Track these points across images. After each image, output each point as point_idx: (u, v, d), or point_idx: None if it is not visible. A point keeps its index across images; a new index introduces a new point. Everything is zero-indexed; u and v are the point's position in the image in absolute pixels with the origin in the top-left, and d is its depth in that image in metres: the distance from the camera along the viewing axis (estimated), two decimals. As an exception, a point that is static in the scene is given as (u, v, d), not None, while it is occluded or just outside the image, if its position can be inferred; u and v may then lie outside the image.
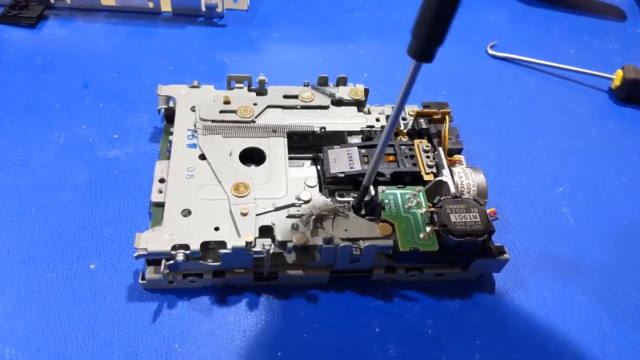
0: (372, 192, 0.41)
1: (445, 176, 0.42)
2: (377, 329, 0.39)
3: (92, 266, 0.39)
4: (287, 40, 0.60)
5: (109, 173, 0.45)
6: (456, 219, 0.38)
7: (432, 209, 0.39)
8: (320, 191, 0.41)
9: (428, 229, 0.38)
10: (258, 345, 0.37)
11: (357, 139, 0.45)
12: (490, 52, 0.61)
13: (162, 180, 0.41)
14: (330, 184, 0.42)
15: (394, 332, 0.39)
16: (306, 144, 0.46)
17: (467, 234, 0.37)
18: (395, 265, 0.40)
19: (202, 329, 0.37)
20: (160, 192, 0.40)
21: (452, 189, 0.41)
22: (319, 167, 0.44)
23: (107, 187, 0.44)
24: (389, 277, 0.41)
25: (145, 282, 0.38)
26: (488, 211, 0.39)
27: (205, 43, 0.58)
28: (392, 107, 0.49)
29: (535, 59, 0.60)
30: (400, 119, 0.48)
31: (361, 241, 0.37)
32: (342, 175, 0.41)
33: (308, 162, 0.45)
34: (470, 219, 0.38)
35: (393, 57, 0.59)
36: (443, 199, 0.39)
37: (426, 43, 0.29)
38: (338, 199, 0.41)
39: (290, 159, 0.44)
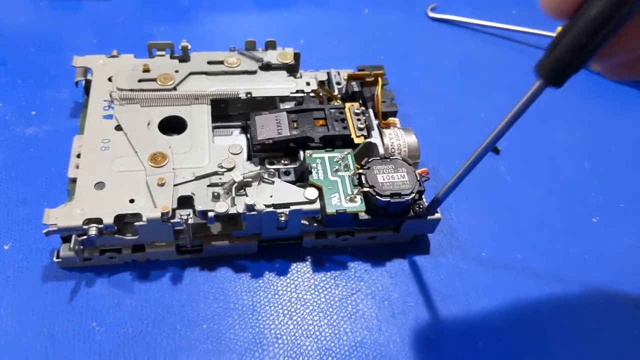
0: (301, 158, 0.39)
1: (375, 138, 0.40)
2: (309, 296, 0.37)
3: (6, 247, 0.37)
4: (220, 8, 0.58)
5: (26, 151, 0.43)
6: (384, 179, 0.37)
7: (360, 171, 0.38)
8: (249, 159, 0.40)
9: (355, 190, 0.37)
10: (183, 321, 0.35)
11: (290, 106, 0.44)
12: (431, 14, 0.60)
13: (80, 156, 0.39)
14: (259, 151, 0.40)
15: (327, 300, 0.37)
16: (236, 112, 0.44)
17: (395, 194, 0.36)
18: (325, 230, 0.39)
19: (123, 306, 0.36)
20: (78, 167, 0.38)
21: (382, 151, 0.40)
22: (248, 135, 0.42)
23: (24, 166, 0.42)
24: (320, 244, 0.40)
25: (60, 260, 0.36)
26: (419, 171, 0.38)
27: (132, 14, 0.56)
28: (327, 73, 0.48)
29: (476, 20, 0.59)
30: (334, 84, 0.46)
31: (287, 207, 0.36)
32: (270, 141, 0.40)
33: (237, 131, 0.43)
34: (398, 178, 0.37)
35: (330, 23, 0.58)
36: (371, 161, 0.38)
37: (565, 68, 0.24)
38: (268, 166, 0.40)
39: (217, 127, 0.43)
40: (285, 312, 0.37)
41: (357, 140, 0.41)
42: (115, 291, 0.36)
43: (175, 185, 0.36)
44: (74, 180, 0.37)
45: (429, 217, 0.38)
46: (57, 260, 0.36)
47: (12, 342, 0.33)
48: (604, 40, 0.22)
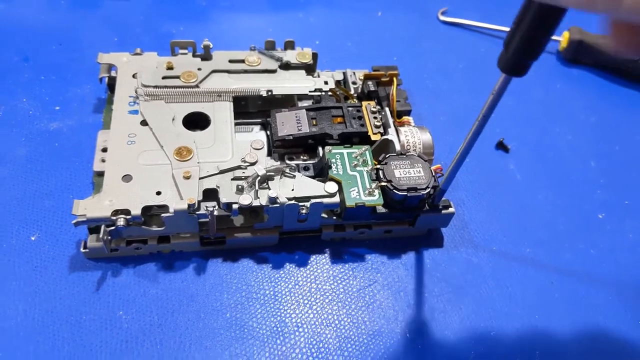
0: (320, 154, 0.41)
1: (391, 135, 0.42)
2: (328, 287, 0.39)
3: (32, 238, 0.38)
4: (237, 9, 0.59)
5: (51, 145, 0.44)
6: (400, 174, 0.38)
7: (378, 166, 0.39)
8: (269, 155, 0.41)
9: (373, 184, 0.38)
10: (207, 309, 0.36)
11: (307, 104, 0.45)
12: (441, 18, 0.61)
13: (104, 150, 0.40)
14: (279, 147, 0.42)
15: (345, 290, 0.39)
16: (255, 109, 0.45)
17: (411, 188, 0.38)
18: (343, 223, 0.40)
19: (148, 296, 0.37)
20: (103, 161, 0.39)
21: (398, 147, 0.41)
22: (268, 132, 0.43)
23: (49, 160, 0.43)
24: (339, 236, 0.41)
25: (87, 250, 0.37)
26: (433, 167, 0.40)
27: (151, 13, 0.57)
28: (343, 73, 0.50)
29: (485, 24, 0.61)
30: (350, 83, 0.47)
31: (308, 200, 0.37)
32: (290, 137, 0.41)
33: (257, 128, 0.45)
34: (415, 174, 0.38)
35: (344, 25, 0.59)
36: (388, 156, 0.39)
37: (519, 57, 0.26)
38: (288, 162, 0.41)
39: (238, 124, 0.44)
40: (306, 301, 0.38)
41: (374, 137, 0.42)
42: (140, 281, 0.37)
43: (200, 178, 0.37)
44: (99, 174, 0.39)
45: (442, 212, 0.40)
46: (84, 250, 0.37)
47: (40, 329, 0.34)
48: (550, 35, 0.24)
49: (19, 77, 0.48)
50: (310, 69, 0.46)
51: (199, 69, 0.44)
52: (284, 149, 0.42)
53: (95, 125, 0.45)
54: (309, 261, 0.40)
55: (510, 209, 0.45)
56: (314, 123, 0.42)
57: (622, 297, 0.41)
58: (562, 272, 0.42)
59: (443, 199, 0.40)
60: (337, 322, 0.37)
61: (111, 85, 0.44)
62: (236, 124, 0.43)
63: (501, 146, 0.50)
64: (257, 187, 0.37)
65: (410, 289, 0.39)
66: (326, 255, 0.40)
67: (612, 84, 0.58)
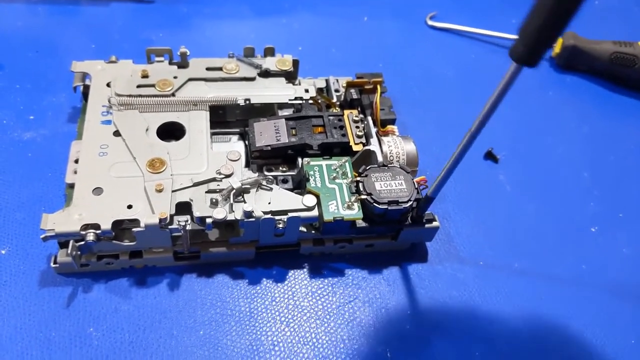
0: (299, 165, 0.39)
1: (374, 145, 0.40)
2: (307, 303, 0.37)
3: (2, 252, 0.37)
4: (219, 16, 0.58)
5: (24, 156, 0.43)
6: (381, 187, 0.37)
7: (358, 178, 0.38)
8: (247, 166, 0.40)
9: (353, 197, 0.37)
10: (179, 326, 0.35)
11: (288, 113, 0.44)
12: (430, 23, 0.60)
13: (77, 161, 0.38)
14: (257, 158, 0.40)
15: (325, 307, 0.37)
16: (234, 119, 0.44)
17: (393, 202, 0.36)
18: (323, 237, 0.39)
19: (120, 312, 0.35)
20: (76, 172, 0.38)
21: (380, 158, 0.40)
22: (246, 142, 0.42)
23: (21, 170, 0.42)
24: (318, 251, 0.40)
25: (57, 265, 0.36)
26: (417, 179, 0.38)
27: (130, 20, 0.56)
28: (326, 80, 0.48)
29: (475, 29, 0.59)
30: (333, 91, 0.46)
31: (285, 214, 0.36)
32: (269, 148, 0.40)
33: (235, 138, 0.43)
34: (396, 186, 0.37)
35: (329, 31, 0.58)
36: (369, 168, 0.38)
37: (535, 46, 0.25)
38: (266, 173, 0.40)
39: (216, 134, 0.43)
40: (283, 319, 0.37)
41: (355, 148, 0.41)
42: (112, 297, 0.36)
43: (173, 191, 0.36)
44: (71, 186, 0.37)
45: (427, 226, 0.38)
46: (54, 265, 0.36)
47: (8, 346, 0.33)
48: (568, 22, 0.23)
49: (-6, 86, 0.48)
50: (290, 77, 0.45)
51: (175, 77, 0.42)
52: (262, 159, 0.40)
53: (70, 135, 0.43)
54: (287, 276, 0.39)
55: (498, 221, 0.44)
56: (294, 133, 0.40)
57: (614, 314, 0.39)
58: (552, 287, 0.40)
59: (428, 212, 0.38)
60: (315, 340, 0.36)
61: (86, 94, 0.43)
62: (214, 134, 0.42)
63: (490, 156, 0.48)
64: (231, 201, 0.36)
65: (392, 305, 0.38)
66: (305, 270, 0.39)
67: (606, 91, 0.57)
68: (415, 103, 0.52)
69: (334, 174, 0.38)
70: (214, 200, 0.36)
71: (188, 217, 0.35)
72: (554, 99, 0.55)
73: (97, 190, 0.36)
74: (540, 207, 0.45)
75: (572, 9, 0.23)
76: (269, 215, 0.35)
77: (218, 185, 0.37)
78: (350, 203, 0.37)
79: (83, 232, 0.34)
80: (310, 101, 0.44)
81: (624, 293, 0.41)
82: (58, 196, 0.40)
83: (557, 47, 0.57)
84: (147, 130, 0.39)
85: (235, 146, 0.42)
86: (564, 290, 0.40)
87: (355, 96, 0.44)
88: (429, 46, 0.58)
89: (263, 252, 0.39)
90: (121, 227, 0.35)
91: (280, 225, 0.36)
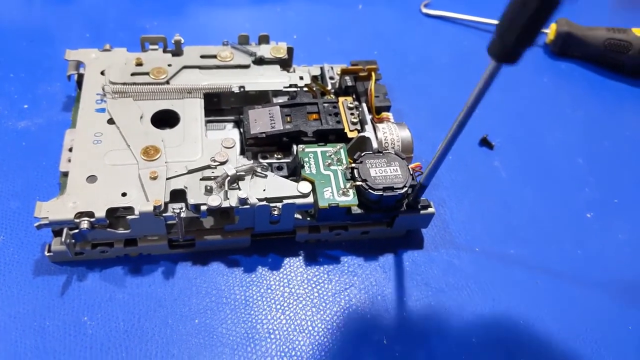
0: (294, 152, 0.39)
1: (369, 132, 0.40)
2: (302, 291, 0.37)
3: (-4, 241, 0.37)
4: (213, 3, 0.58)
5: (18, 145, 0.42)
6: (376, 173, 0.37)
7: (353, 165, 0.37)
8: (242, 154, 0.40)
9: (348, 184, 0.37)
10: (174, 315, 0.35)
11: (283, 100, 0.43)
12: (424, 10, 0.60)
13: (72, 150, 0.38)
14: (252, 145, 0.40)
15: (320, 294, 0.37)
16: (228, 107, 0.44)
17: (388, 188, 0.36)
18: (318, 224, 0.39)
19: (114, 301, 0.35)
20: (70, 161, 0.37)
21: (375, 145, 0.40)
22: (241, 129, 0.42)
23: (15, 159, 0.41)
24: (314, 238, 0.39)
25: (51, 254, 0.36)
26: (412, 165, 0.38)
27: (125, 8, 0.56)
28: (320, 68, 0.48)
29: (470, 16, 0.59)
30: (328, 79, 0.46)
31: (280, 201, 0.36)
32: (264, 135, 0.40)
33: (230, 125, 0.43)
34: (391, 172, 0.37)
35: (324, 19, 0.58)
36: (364, 155, 0.38)
37: (515, 45, 0.24)
38: (261, 161, 0.40)
39: (210, 122, 0.42)
40: (278, 306, 0.36)
41: (350, 135, 0.40)
42: (107, 285, 0.36)
43: (167, 178, 0.36)
44: (65, 174, 0.37)
45: (422, 212, 0.38)
46: (48, 254, 0.36)
47: (2, 335, 0.33)
48: (550, 17, 0.23)
49: (-13, 75, 0.47)
50: (285, 64, 0.45)
51: (170, 65, 0.42)
52: (257, 147, 0.40)
53: (65, 123, 0.43)
54: (283, 264, 0.39)
55: (494, 208, 0.44)
56: (288, 120, 0.40)
57: (609, 298, 0.39)
58: (547, 273, 0.40)
59: (423, 198, 0.38)
60: (310, 328, 0.36)
61: (80, 82, 0.43)
62: (208, 122, 0.42)
63: (485, 142, 0.48)
64: (226, 188, 0.35)
65: (388, 292, 0.38)
66: (300, 257, 0.39)
67: (601, 77, 0.57)
68: (410, 90, 0.51)
69: (329, 161, 0.38)
70: (208, 188, 0.36)
71: (183, 204, 0.35)
72: (549, 86, 0.55)
73: (91, 178, 0.36)
74: (536, 193, 0.45)
75: (552, 7, 0.22)
76: (263, 202, 0.35)
77: (212, 172, 0.37)
78: (345, 189, 0.36)
79: (77, 220, 0.34)
80: (305, 89, 0.44)
81: (619, 278, 0.41)
82: (52, 185, 0.40)
83: (551, 34, 0.57)
84: (141, 118, 0.39)
85: (230, 134, 0.42)
86: (559, 276, 0.40)
87: (350, 83, 0.44)
88: (424, 34, 0.58)
89: (258, 239, 0.39)
90: (116, 215, 0.35)
91: (276, 212, 0.36)
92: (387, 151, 0.38)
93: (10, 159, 0.41)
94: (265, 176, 0.37)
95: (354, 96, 0.44)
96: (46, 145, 0.42)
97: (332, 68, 0.46)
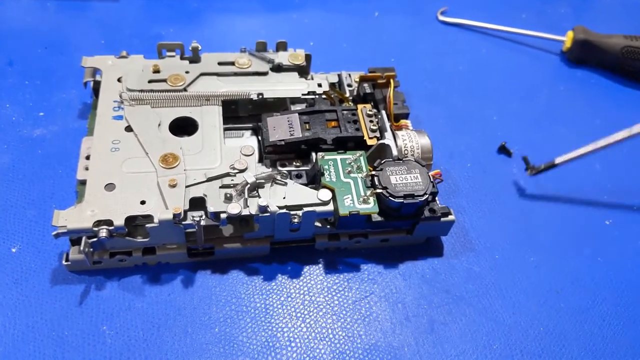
0: (313, 160, 0.39)
1: (388, 139, 0.40)
2: (322, 299, 0.37)
3: (13, 250, 0.37)
4: (228, 10, 0.58)
5: (34, 152, 0.42)
6: (397, 181, 0.36)
7: (373, 172, 0.37)
8: (261, 162, 0.39)
9: (368, 191, 0.36)
10: (194, 324, 0.35)
11: (301, 108, 0.43)
12: (441, 18, 0.60)
13: (89, 157, 0.38)
14: (270, 153, 0.40)
15: (340, 302, 0.37)
16: (246, 114, 0.43)
17: (408, 195, 0.36)
18: (338, 232, 0.38)
19: (133, 310, 0.35)
20: (87, 169, 0.37)
21: (395, 152, 0.39)
22: (259, 137, 0.42)
23: (32, 167, 0.41)
24: (333, 246, 0.39)
25: (69, 263, 0.36)
26: (432, 173, 0.38)
27: (140, 16, 0.56)
28: (338, 75, 0.48)
29: (486, 24, 0.59)
30: (345, 86, 0.46)
31: (300, 209, 0.36)
32: (282, 142, 0.39)
33: (248, 133, 0.43)
34: (412, 179, 0.37)
35: (340, 26, 0.58)
36: (384, 162, 0.38)
37: None
38: (280, 169, 0.39)
39: (228, 129, 0.42)
40: (298, 315, 0.36)
41: (369, 142, 0.40)
42: (125, 294, 0.36)
43: (187, 186, 0.35)
44: (83, 182, 0.37)
45: (442, 219, 0.38)
46: (66, 263, 0.36)
47: (20, 345, 0.33)
48: None
49: (3, 82, 0.47)
50: (303, 71, 0.44)
51: (187, 72, 0.42)
52: (275, 154, 0.40)
53: (81, 131, 0.43)
54: (302, 272, 0.38)
55: (513, 215, 0.43)
56: (307, 127, 0.40)
57: (631, 307, 0.39)
58: (568, 281, 0.40)
59: (442, 205, 0.38)
60: (331, 336, 0.35)
61: (96, 89, 0.43)
62: (226, 129, 0.41)
63: (503, 150, 0.48)
64: (246, 196, 0.35)
65: (409, 300, 0.38)
66: (320, 265, 0.39)
67: (618, 85, 0.56)
68: (426, 98, 0.51)
69: (349, 168, 0.38)
70: (228, 196, 0.35)
71: (202, 212, 0.35)
72: (566, 94, 0.55)
73: (110, 186, 0.35)
74: (554, 200, 0.45)
75: None
76: (284, 210, 0.35)
77: (232, 180, 0.36)
78: (365, 197, 0.36)
79: (95, 229, 0.33)
80: (323, 96, 0.43)
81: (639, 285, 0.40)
82: (69, 193, 0.40)
83: (568, 42, 0.57)
84: (159, 125, 0.39)
85: (249, 141, 0.41)
86: (580, 283, 0.40)
87: (368, 90, 0.44)
88: (440, 41, 0.58)
89: (278, 247, 0.39)
90: (134, 224, 0.35)
91: (296, 220, 0.35)
92: (407, 158, 0.38)
93: (26, 167, 0.41)
94: (285, 184, 0.37)
95: (372, 103, 0.44)
96: (62, 153, 0.42)
97: (349, 75, 0.46)
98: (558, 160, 0.43)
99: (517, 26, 0.58)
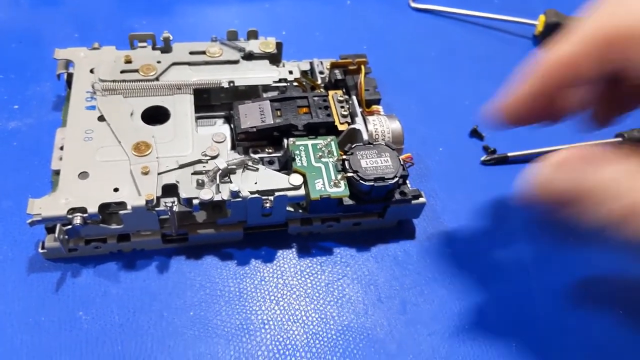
0: (285, 146, 0.39)
1: (359, 124, 0.41)
2: (296, 282, 0.38)
3: (-12, 240, 0.37)
4: (201, 1, 0.58)
5: (9, 145, 0.42)
6: (367, 164, 0.37)
7: (344, 157, 0.38)
8: (233, 149, 0.40)
9: (339, 175, 0.37)
10: (169, 308, 0.35)
11: (273, 95, 0.44)
12: (413, 5, 0.60)
13: (62, 148, 0.38)
14: (243, 140, 0.40)
15: (313, 285, 0.38)
16: (219, 102, 0.44)
17: (379, 178, 0.36)
18: (310, 216, 0.39)
19: (109, 296, 0.36)
20: (61, 159, 0.38)
21: (365, 136, 0.40)
22: (232, 125, 0.42)
23: (7, 160, 0.41)
24: (306, 230, 0.40)
25: (45, 251, 0.36)
26: (402, 157, 0.39)
27: (113, 8, 0.56)
28: (310, 62, 0.48)
29: (458, 10, 0.59)
30: (317, 73, 0.46)
31: (272, 193, 0.36)
32: (254, 129, 0.40)
33: (221, 121, 0.43)
34: (382, 163, 0.37)
35: (312, 15, 0.58)
36: (355, 146, 0.38)
37: None
38: (252, 155, 0.40)
39: (201, 118, 0.43)
40: (272, 297, 0.37)
41: (341, 127, 0.41)
42: (101, 281, 0.36)
43: (159, 173, 0.36)
44: (57, 173, 0.37)
45: (413, 202, 0.39)
46: (42, 251, 0.36)
47: (-3, 332, 0.33)
48: None
49: (-23, 77, 0.47)
50: (274, 59, 0.45)
51: (159, 62, 0.42)
52: (248, 142, 0.40)
53: (55, 123, 0.43)
54: (276, 256, 0.39)
55: (484, 198, 0.44)
56: (279, 114, 0.41)
57: (605, 293, 0.40)
58: (540, 262, 0.41)
59: (413, 188, 0.39)
60: (304, 317, 0.36)
61: (70, 81, 0.43)
62: (199, 118, 0.42)
63: (475, 134, 0.48)
64: (218, 181, 0.36)
65: (381, 282, 0.38)
66: (293, 250, 0.39)
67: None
68: (400, 84, 0.52)
69: (320, 153, 0.38)
70: (200, 182, 0.36)
71: (175, 199, 0.36)
72: (538, 77, 0.56)
73: (83, 175, 0.36)
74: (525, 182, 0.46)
75: None
76: (255, 195, 0.36)
77: (204, 166, 0.37)
78: (336, 181, 0.37)
79: (70, 216, 0.34)
80: (295, 83, 0.44)
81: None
82: (45, 184, 0.40)
83: (540, 26, 0.57)
84: (131, 114, 0.39)
85: (221, 129, 0.42)
86: (552, 263, 0.40)
87: (339, 77, 0.44)
88: (413, 28, 0.58)
89: (251, 233, 0.39)
90: (108, 211, 0.35)
91: (268, 205, 0.36)
92: (378, 142, 0.39)
93: (1, 159, 0.42)
94: (257, 169, 0.37)
95: (343, 90, 0.44)
96: (37, 145, 0.43)
97: (321, 63, 0.47)
98: (511, 154, 0.45)
99: (490, 11, 0.59)
